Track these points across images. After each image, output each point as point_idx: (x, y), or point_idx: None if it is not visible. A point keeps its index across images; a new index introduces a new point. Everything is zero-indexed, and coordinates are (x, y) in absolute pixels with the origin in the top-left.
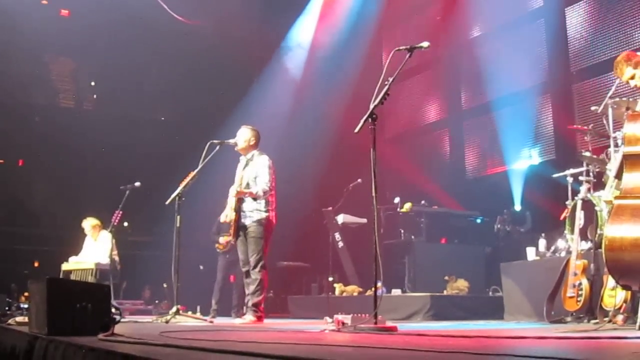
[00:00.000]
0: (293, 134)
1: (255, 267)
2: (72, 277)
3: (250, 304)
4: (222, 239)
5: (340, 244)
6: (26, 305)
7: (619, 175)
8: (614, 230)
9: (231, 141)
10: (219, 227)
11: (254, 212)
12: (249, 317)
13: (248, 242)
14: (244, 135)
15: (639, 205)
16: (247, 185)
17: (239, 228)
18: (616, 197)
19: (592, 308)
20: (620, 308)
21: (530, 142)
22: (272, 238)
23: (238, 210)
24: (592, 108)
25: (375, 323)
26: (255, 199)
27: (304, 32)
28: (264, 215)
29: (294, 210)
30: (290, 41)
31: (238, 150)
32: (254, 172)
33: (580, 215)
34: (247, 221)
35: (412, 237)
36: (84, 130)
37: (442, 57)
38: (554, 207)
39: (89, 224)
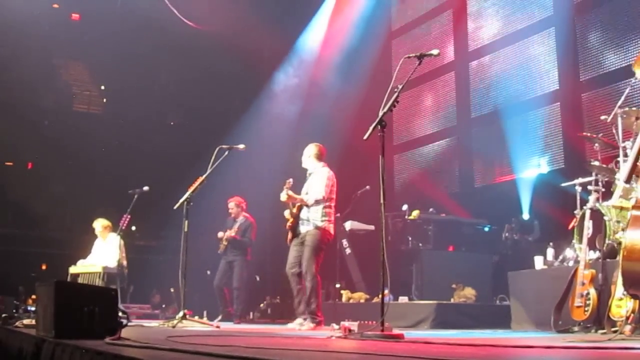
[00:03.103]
0: (301, 139)
1: (307, 275)
2: (80, 280)
3: (307, 311)
4: (220, 233)
5: (348, 251)
6: (33, 308)
7: (628, 180)
8: (634, 240)
9: (240, 146)
10: (225, 227)
11: (310, 222)
12: (307, 324)
13: (304, 250)
14: (306, 151)
15: None
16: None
17: (295, 234)
18: (633, 207)
19: (599, 318)
20: (628, 318)
21: (539, 150)
22: (324, 248)
23: (296, 217)
24: (602, 117)
25: (382, 330)
26: (307, 206)
27: (313, 38)
28: (319, 224)
29: None
30: (300, 48)
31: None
32: (313, 183)
33: (588, 225)
34: (302, 229)
35: (420, 244)
36: (93, 133)
37: (452, 65)
38: (563, 216)
39: (100, 224)
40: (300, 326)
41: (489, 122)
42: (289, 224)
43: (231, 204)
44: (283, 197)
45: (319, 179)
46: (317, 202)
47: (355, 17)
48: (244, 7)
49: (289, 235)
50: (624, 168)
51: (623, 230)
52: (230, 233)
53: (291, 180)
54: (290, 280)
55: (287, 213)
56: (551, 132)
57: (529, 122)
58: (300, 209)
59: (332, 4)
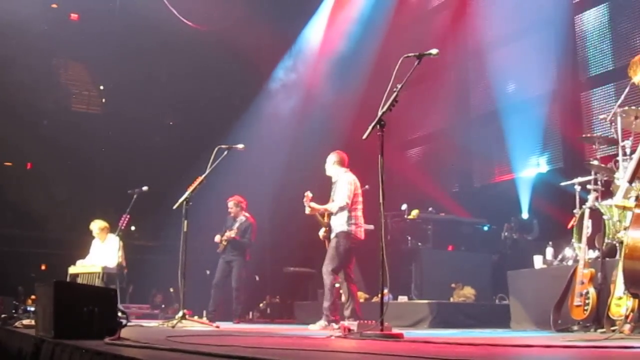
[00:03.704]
0: (300, 139)
1: (325, 274)
2: (79, 280)
3: (323, 310)
4: (217, 237)
5: None
6: (33, 308)
7: (631, 181)
8: (636, 239)
9: (239, 146)
10: (225, 226)
11: (337, 227)
12: (319, 323)
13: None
14: (328, 159)
15: None
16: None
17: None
18: (637, 206)
19: (599, 317)
20: (627, 317)
21: (539, 150)
22: (347, 250)
23: (328, 225)
24: (601, 117)
25: (382, 330)
26: (333, 214)
27: (312, 38)
28: (345, 229)
29: (300, 215)
30: (299, 47)
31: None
32: (337, 191)
33: (587, 224)
34: (332, 235)
35: (419, 244)
36: (92, 134)
37: (451, 64)
38: (562, 216)
39: (97, 226)
40: (312, 326)
41: (488, 122)
42: (324, 234)
43: (230, 203)
44: (307, 210)
45: (340, 185)
46: (341, 209)
47: (355, 16)
48: (242, 6)
49: (327, 245)
50: (628, 169)
51: (625, 229)
52: (231, 234)
53: (309, 192)
54: (341, 286)
55: (321, 233)
56: (550, 131)
57: (528, 121)
58: (330, 217)
59: (332, 2)
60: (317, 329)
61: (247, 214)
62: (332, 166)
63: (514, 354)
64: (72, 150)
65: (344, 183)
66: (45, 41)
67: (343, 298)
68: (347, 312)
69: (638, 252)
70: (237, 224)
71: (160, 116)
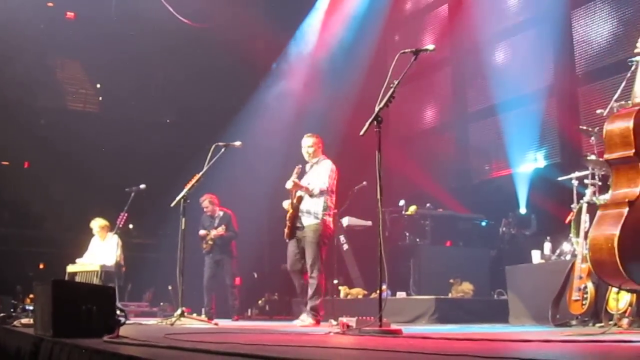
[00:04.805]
0: (298, 136)
1: (312, 271)
2: (77, 279)
3: (308, 307)
4: (202, 231)
5: (345, 247)
6: (31, 307)
7: None
8: (595, 237)
9: (236, 144)
10: (202, 226)
11: (311, 214)
12: (308, 320)
13: (305, 246)
14: (312, 141)
15: (617, 214)
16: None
17: (294, 227)
18: (601, 207)
19: (597, 311)
20: (625, 312)
21: (536, 145)
22: (326, 243)
23: (296, 208)
24: (598, 111)
25: (380, 326)
26: (311, 196)
27: (309, 34)
28: (320, 217)
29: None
30: (296, 44)
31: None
32: (316, 174)
33: (585, 219)
34: (303, 221)
35: (417, 239)
36: (89, 132)
37: (448, 60)
38: (560, 211)
39: (97, 224)
40: (302, 322)
41: (485, 117)
42: (288, 214)
43: (205, 202)
44: (289, 184)
45: (322, 170)
46: (320, 193)
47: (352, 12)
48: (239, 3)
49: (287, 230)
50: None
51: None
52: (219, 231)
53: (300, 166)
54: (292, 277)
55: (286, 204)
56: (547, 126)
57: (525, 116)
58: (300, 200)
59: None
60: (306, 324)
61: (223, 208)
62: (312, 149)
63: (512, 349)
64: (69, 148)
65: (327, 168)
66: (41, 40)
67: (341, 294)
68: (309, 305)
69: (597, 252)
70: (217, 220)
71: (157, 114)
